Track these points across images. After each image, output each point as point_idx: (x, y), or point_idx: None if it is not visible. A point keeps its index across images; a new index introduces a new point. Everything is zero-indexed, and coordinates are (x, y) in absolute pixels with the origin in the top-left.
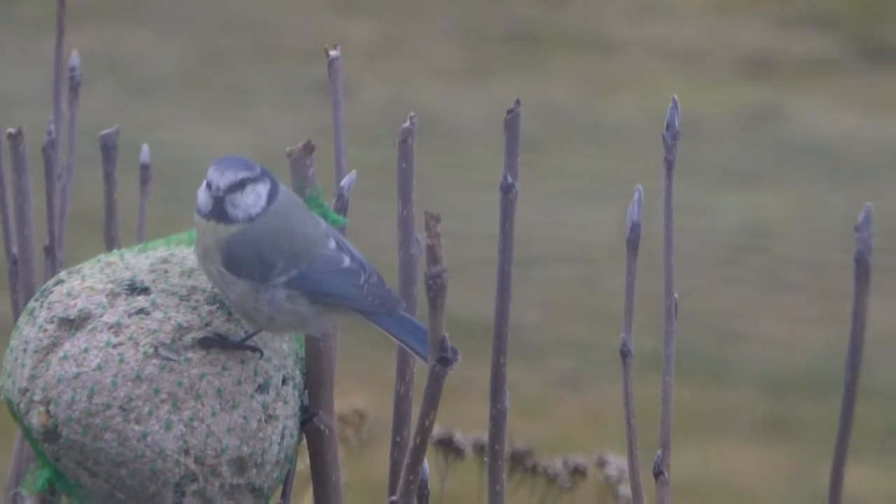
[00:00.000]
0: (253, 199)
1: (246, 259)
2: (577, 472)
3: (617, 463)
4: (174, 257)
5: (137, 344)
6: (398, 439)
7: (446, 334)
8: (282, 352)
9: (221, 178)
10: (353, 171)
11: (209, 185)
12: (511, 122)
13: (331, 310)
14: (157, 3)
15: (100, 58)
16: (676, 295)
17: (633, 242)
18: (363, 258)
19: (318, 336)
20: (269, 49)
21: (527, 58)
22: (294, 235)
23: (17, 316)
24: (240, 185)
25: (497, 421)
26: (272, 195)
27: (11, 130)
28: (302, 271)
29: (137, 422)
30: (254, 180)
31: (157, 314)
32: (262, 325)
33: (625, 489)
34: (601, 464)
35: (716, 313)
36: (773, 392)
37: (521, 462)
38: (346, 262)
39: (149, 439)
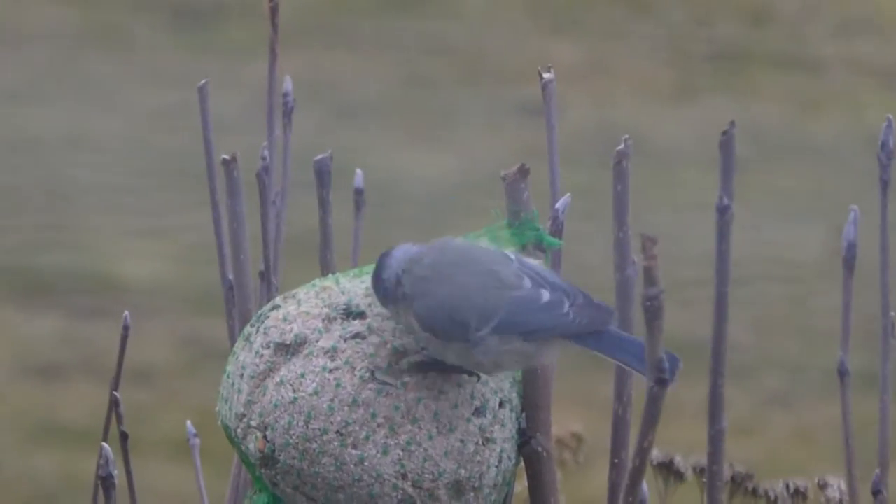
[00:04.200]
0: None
1: (439, 323)
2: (798, 495)
3: (837, 484)
4: None
5: (354, 368)
6: (616, 461)
7: (664, 356)
8: (498, 375)
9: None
10: (568, 195)
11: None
12: (725, 142)
13: (547, 343)
14: (360, 27)
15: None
16: (894, 314)
17: (849, 262)
18: (565, 283)
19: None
20: (474, 71)
21: (732, 77)
22: (472, 289)
23: (233, 342)
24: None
25: (715, 442)
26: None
27: (226, 156)
28: (502, 317)
29: (354, 446)
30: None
31: (373, 338)
32: (493, 373)
33: None
34: (822, 486)
35: None
36: None
37: (741, 485)
38: (546, 296)
39: (366, 463)
